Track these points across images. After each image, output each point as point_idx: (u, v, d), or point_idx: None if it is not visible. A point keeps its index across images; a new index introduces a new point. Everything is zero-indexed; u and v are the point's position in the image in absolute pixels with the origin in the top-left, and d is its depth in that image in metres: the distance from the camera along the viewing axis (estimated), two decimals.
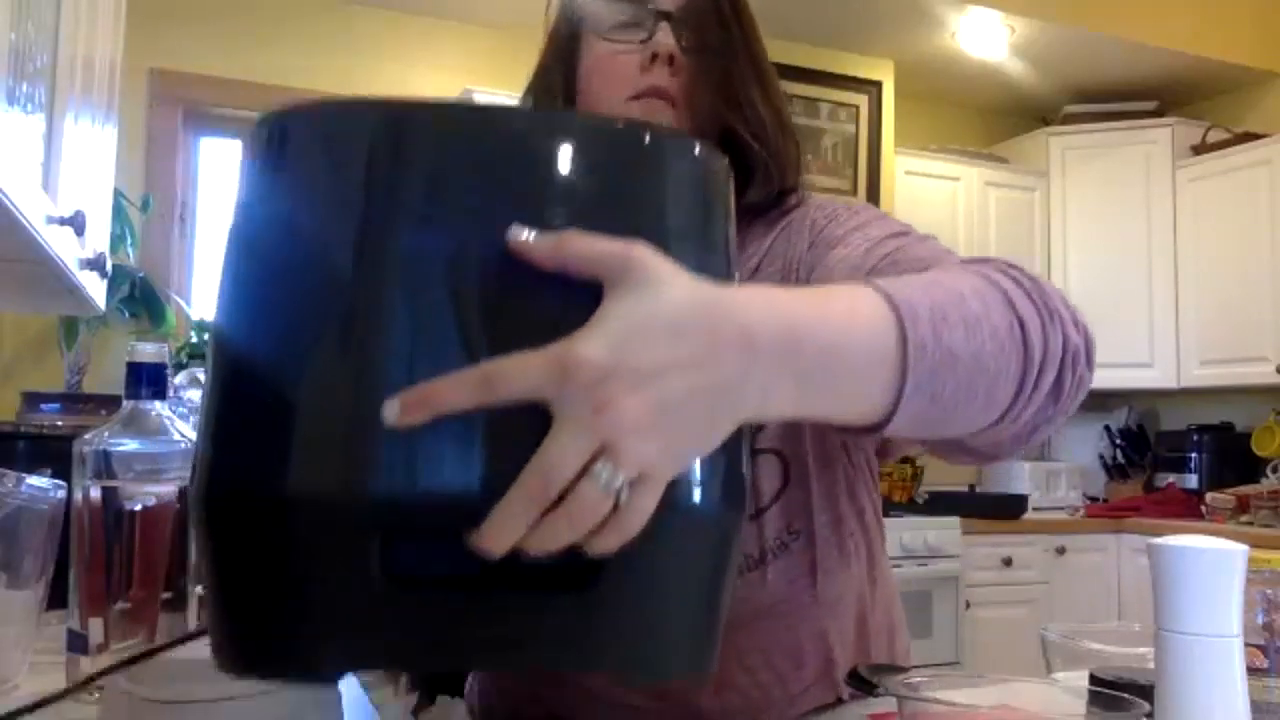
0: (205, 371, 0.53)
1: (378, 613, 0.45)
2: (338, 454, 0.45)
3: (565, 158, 0.48)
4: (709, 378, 0.46)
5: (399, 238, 0.46)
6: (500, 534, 0.43)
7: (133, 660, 0.61)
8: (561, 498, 0.43)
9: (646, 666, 0.50)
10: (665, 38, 0.85)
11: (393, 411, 0.43)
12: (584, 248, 0.45)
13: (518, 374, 0.43)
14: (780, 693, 0.87)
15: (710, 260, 0.51)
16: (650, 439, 0.44)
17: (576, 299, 0.45)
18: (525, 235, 0.45)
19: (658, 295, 0.45)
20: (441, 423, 0.43)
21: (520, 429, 0.44)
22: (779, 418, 0.53)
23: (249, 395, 0.48)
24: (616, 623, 0.47)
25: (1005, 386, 0.60)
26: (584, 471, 0.43)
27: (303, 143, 0.49)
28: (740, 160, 0.86)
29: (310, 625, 0.46)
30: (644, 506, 0.45)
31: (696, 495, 0.48)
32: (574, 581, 0.46)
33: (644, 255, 0.45)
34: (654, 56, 0.85)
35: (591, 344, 0.43)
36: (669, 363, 0.44)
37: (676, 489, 0.46)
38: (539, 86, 0.94)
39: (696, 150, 0.53)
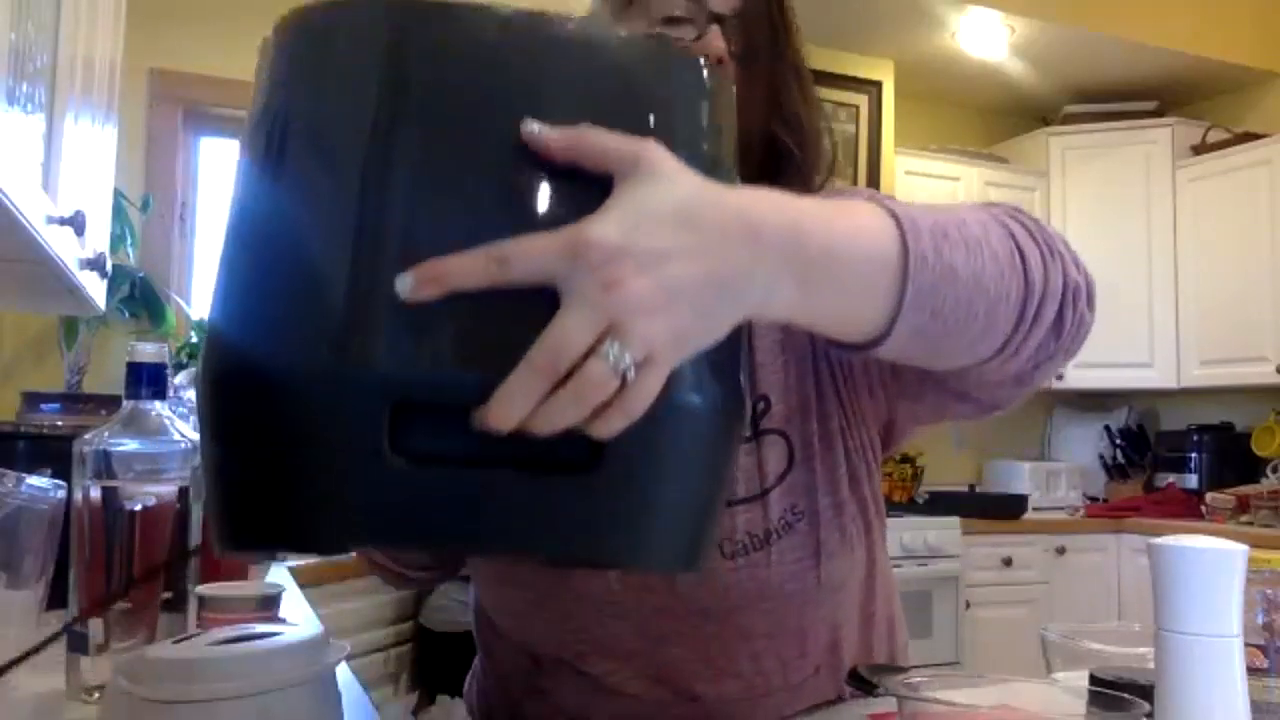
0: (220, 250, 0.54)
1: (381, 488, 0.46)
2: (349, 328, 0.45)
3: (580, 61, 0.50)
4: (715, 265, 0.47)
5: (415, 124, 0.47)
6: (507, 409, 0.44)
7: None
8: (569, 377, 0.44)
9: (640, 555, 0.51)
10: (716, 40, 0.84)
11: (405, 285, 0.44)
12: (597, 141, 0.47)
13: (530, 253, 0.45)
14: (781, 680, 0.87)
15: (715, 173, 0.52)
16: (657, 320, 0.45)
17: (587, 192, 0.47)
18: (539, 127, 0.47)
19: (668, 187, 0.47)
20: (453, 301, 0.44)
21: (530, 310, 0.45)
22: (781, 316, 0.54)
23: (261, 270, 0.49)
24: (614, 509, 0.48)
25: (1005, 313, 0.61)
26: (592, 350, 0.44)
27: (325, 33, 0.52)
28: (777, 161, 0.88)
29: (313, 497, 0.47)
30: (648, 388, 0.46)
31: (696, 392, 0.49)
32: (576, 466, 0.47)
33: (655, 151, 0.47)
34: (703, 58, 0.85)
35: (602, 226, 0.45)
36: (677, 248, 0.46)
37: (678, 383, 0.48)
38: None
39: (704, 68, 0.55)
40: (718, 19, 0.85)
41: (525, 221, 0.46)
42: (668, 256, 0.46)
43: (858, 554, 0.89)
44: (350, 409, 0.45)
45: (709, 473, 0.53)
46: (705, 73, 0.55)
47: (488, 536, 0.48)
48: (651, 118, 0.51)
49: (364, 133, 0.47)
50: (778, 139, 0.88)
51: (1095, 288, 0.68)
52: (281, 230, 0.49)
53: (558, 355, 0.44)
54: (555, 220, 0.46)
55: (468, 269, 0.44)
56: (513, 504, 0.47)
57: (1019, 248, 0.62)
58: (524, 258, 0.45)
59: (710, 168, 0.51)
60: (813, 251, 0.52)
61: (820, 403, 0.87)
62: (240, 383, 0.48)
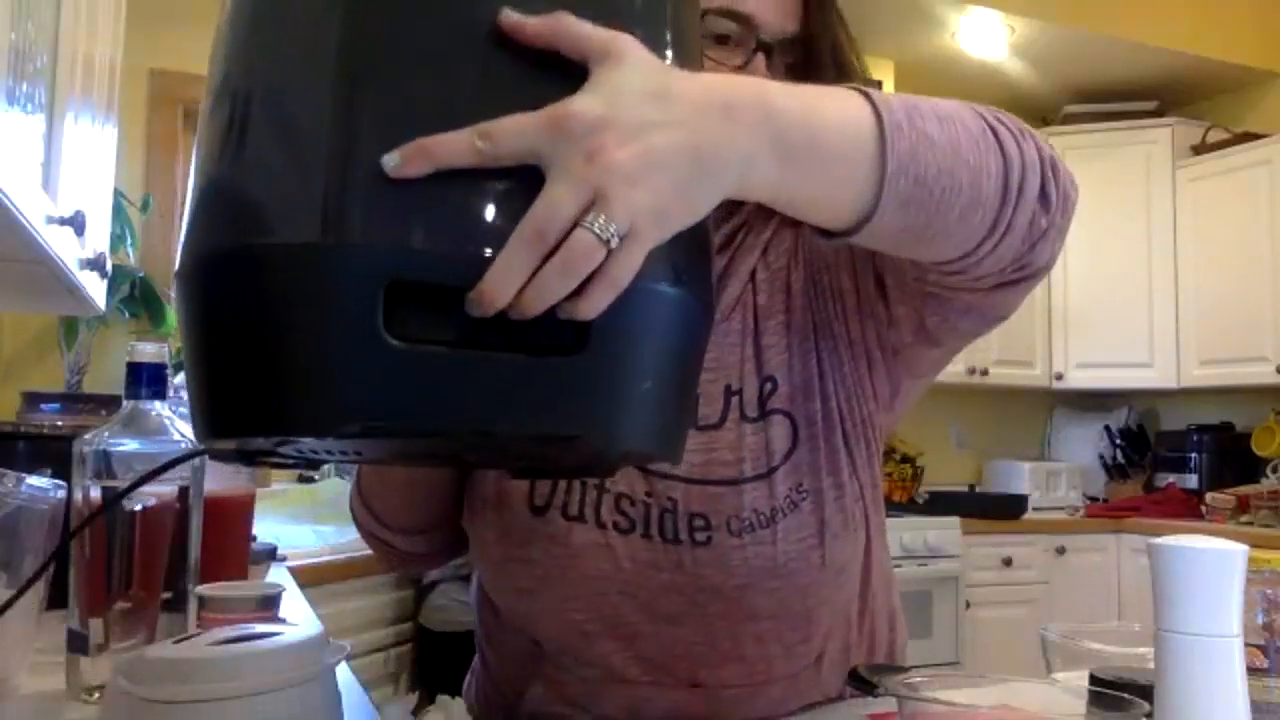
0: (199, 129, 0.54)
1: (372, 369, 0.46)
2: (337, 205, 0.46)
3: None
4: (693, 137, 0.49)
5: (394, 7, 0.48)
6: (499, 285, 0.46)
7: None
8: (555, 250, 0.46)
9: (622, 435, 0.52)
10: (760, 72, 0.83)
11: (393, 161, 0.45)
12: (574, 28, 0.48)
13: (515, 129, 0.46)
14: (783, 667, 0.87)
15: (684, 65, 0.54)
16: (639, 190, 0.47)
17: (566, 77, 0.48)
18: (517, 15, 0.48)
19: (643, 69, 0.49)
20: (441, 179, 0.46)
21: (516, 187, 0.46)
22: (763, 195, 0.55)
23: (242, 148, 0.49)
24: (601, 388, 0.50)
25: (988, 186, 0.62)
26: (578, 222, 0.46)
27: None
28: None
29: (302, 379, 0.47)
30: (632, 260, 0.48)
31: (673, 281, 0.52)
32: (565, 348, 0.48)
33: (628, 41, 0.49)
34: None
35: (583, 100, 0.47)
36: (656, 120, 0.48)
37: (656, 270, 0.50)
38: None
39: None
40: (766, 48, 0.84)
41: (506, 103, 0.47)
42: (648, 128, 0.48)
43: (859, 536, 0.89)
44: (339, 287, 0.46)
45: (684, 358, 0.55)
46: None
47: (479, 417, 0.48)
48: (620, 9, 0.52)
49: (343, 11, 0.48)
50: None
51: (1072, 178, 0.70)
52: (262, 107, 0.49)
53: (545, 227, 0.46)
54: (536, 102, 0.47)
55: (454, 146, 0.46)
56: (505, 385, 0.48)
57: (989, 125, 0.64)
58: (509, 134, 0.46)
59: (679, 59, 0.53)
60: (787, 126, 0.53)
61: (821, 382, 0.87)
62: (224, 264, 0.48)
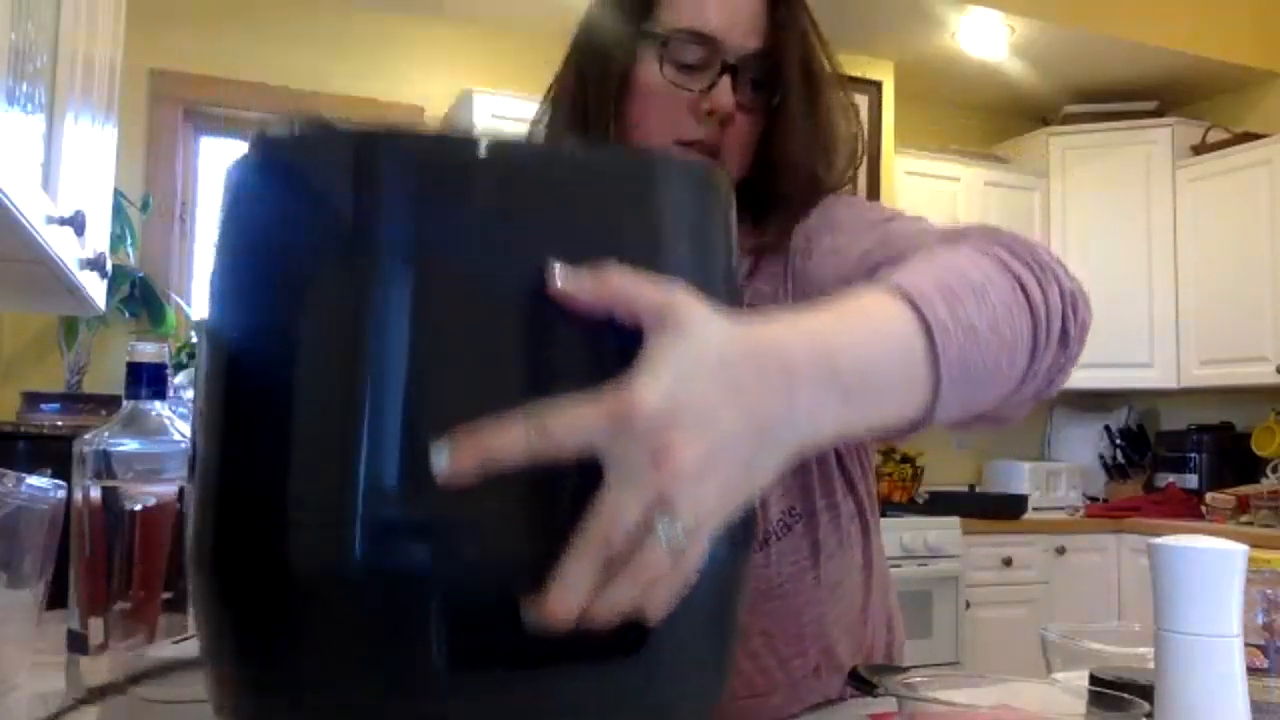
0: (205, 423, 0.48)
1: (421, 694, 0.42)
2: (376, 523, 0.41)
3: (586, 190, 0.46)
4: (759, 414, 0.45)
5: (419, 272, 0.43)
6: (565, 601, 0.42)
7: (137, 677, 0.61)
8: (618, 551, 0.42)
9: (682, 710, 0.49)
10: (725, 96, 0.83)
11: (442, 460, 0.41)
12: (624, 289, 0.45)
13: (572, 425, 0.42)
14: (783, 678, 0.87)
15: (728, 291, 0.51)
16: (708, 485, 0.43)
17: (611, 337, 0.44)
18: (565, 276, 0.44)
19: (702, 338, 0.45)
20: (487, 481, 0.41)
21: (569, 480, 0.42)
22: (831, 440, 0.52)
23: (262, 455, 0.44)
24: (658, 681, 0.47)
25: (1022, 347, 0.62)
26: (644, 524, 0.42)
27: (301, 171, 0.46)
28: (760, 202, 0.88)
29: (341, 707, 0.43)
30: (698, 555, 0.44)
31: (728, 543, 0.47)
32: (621, 646, 0.44)
33: (683, 298, 0.45)
34: (710, 112, 0.84)
35: (645, 390, 0.42)
36: (719, 403, 0.44)
37: (713, 541, 0.45)
38: (572, 97, 0.91)
39: (707, 177, 0.52)
40: (731, 69, 0.84)
41: (551, 375, 0.43)
42: (713, 416, 0.44)
43: (854, 554, 0.90)
44: (383, 610, 0.42)
45: (732, 606, 0.52)
46: (707, 181, 0.52)
47: None
48: (659, 239, 0.48)
49: (360, 285, 0.43)
50: (767, 186, 0.87)
51: (1083, 289, 0.68)
52: (282, 404, 0.43)
53: (610, 534, 0.42)
54: (582, 372, 0.43)
55: (508, 443, 0.41)
56: (563, 697, 0.44)
57: (1018, 280, 0.62)
58: (566, 429, 0.42)
59: (722, 279, 0.50)
60: (848, 372, 0.50)
61: None
62: (251, 581, 0.44)
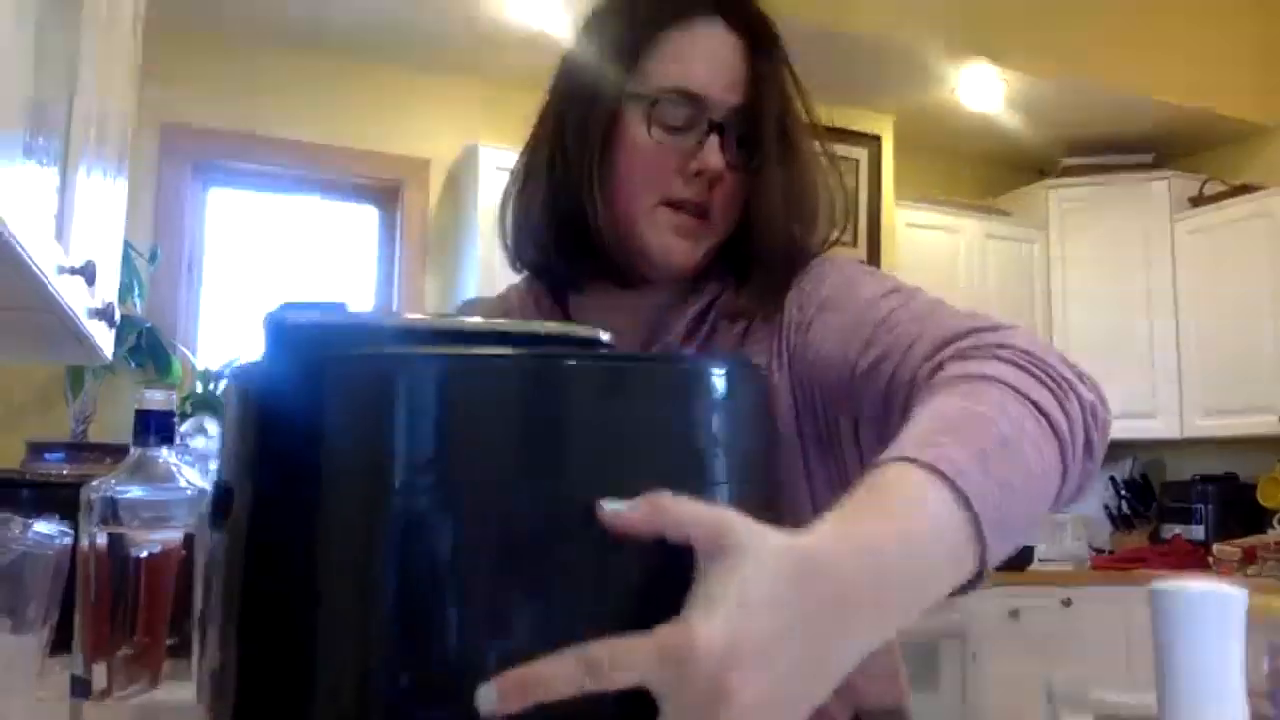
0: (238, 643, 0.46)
1: None
2: None
3: (625, 402, 0.46)
4: (817, 649, 0.45)
5: (458, 498, 0.43)
6: None
7: None
8: None
9: None
10: (714, 156, 0.83)
11: (489, 699, 0.40)
12: (677, 514, 0.44)
13: (626, 662, 0.41)
14: None
15: (768, 476, 0.51)
16: (766, 718, 0.43)
17: (660, 561, 0.44)
18: (615, 507, 0.43)
19: (757, 567, 0.44)
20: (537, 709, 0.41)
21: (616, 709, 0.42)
22: (883, 643, 0.52)
23: (300, 689, 0.43)
24: None
25: (1053, 476, 0.61)
26: None
27: (360, 390, 0.45)
28: (742, 264, 0.87)
29: None
30: None
31: None
32: None
33: (736, 522, 0.45)
34: (699, 172, 0.84)
35: (704, 628, 0.42)
36: (778, 639, 0.44)
37: None
38: (551, 150, 0.90)
39: (745, 376, 0.52)
40: (718, 127, 0.83)
41: (602, 606, 0.43)
42: (772, 654, 0.43)
43: None
44: None
45: None
46: (742, 380, 0.51)
47: None
48: (703, 443, 0.48)
49: (396, 515, 0.42)
50: (749, 247, 0.87)
51: (1101, 388, 0.67)
52: (317, 629, 0.43)
53: None
54: (633, 601, 0.43)
55: (557, 678, 0.41)
56: None
57: (1039, 409, 0.62)
58: (620, 666, 0.41)
59: (760, 475, 0.50)
60: (902, 588, 0.51)
61: (805, 462, 0.86)
62: None
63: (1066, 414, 0.62)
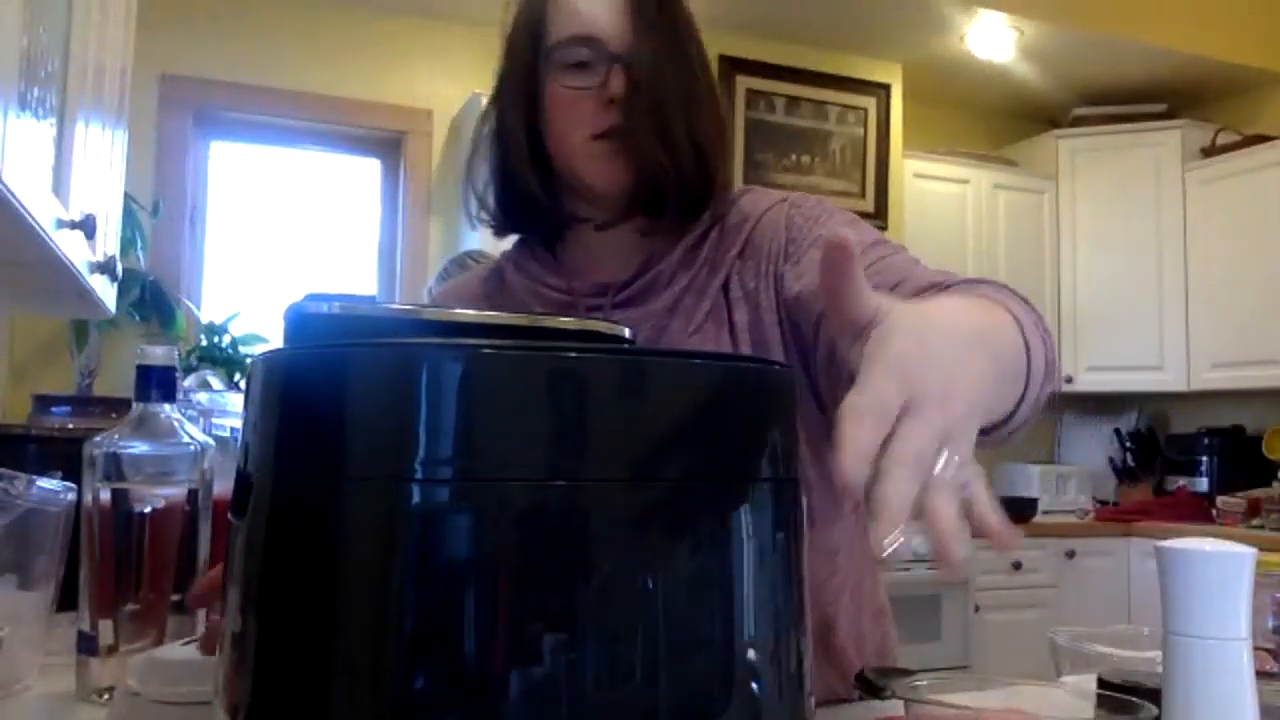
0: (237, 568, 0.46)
1: None
2: None
3: (648, 399, 0.45)
4: (976, 366, 0.53)
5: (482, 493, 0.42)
6: (855, 459, 0.45)
7: None
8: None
9: None
10: (618, 83, 0.91)
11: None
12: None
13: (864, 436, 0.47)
14: None
15: (794, 485, 0.51)
16: (972, 422, 0.51)
17: (684, 553, 0.44)
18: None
19: (890, 327, 0.52)
20: None
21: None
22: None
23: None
24: None
25: (1051, 371, 0.72)
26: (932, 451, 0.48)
27: (382, 381, 0.44)
28: (660, 192, 0.94)
29: None
30: (983, 494, 0.49)
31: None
32: None
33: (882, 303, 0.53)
34: (611, 101, 0.92)
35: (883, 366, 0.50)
36: (966, 356, 0.53)
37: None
38: (502, 111, 0.99)
39: (769, 373, 0.51)
40: (616, 59, 0.92)
41: (624, 600, 0.42)
42: (969, 368, 0.52)
43: (848, 522, 0.93)
44: None
45: None
46: (765, 377, 0.51)
47: None
48: (726, 439, 0.47)
49: (416, 508, 0.42)
50: (661, 168, 0.93)
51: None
52: (335, 622, 0.42)
53: (900, 452, 0.46)
54: (655, 595, 0.43)
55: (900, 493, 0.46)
56: None
57: (1038, 316, 0.73)
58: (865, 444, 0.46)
59: (784, 471, 0.50)
60: (1000, 358, 0.61)
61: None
62: None
63: (1047, 335, 0.72)
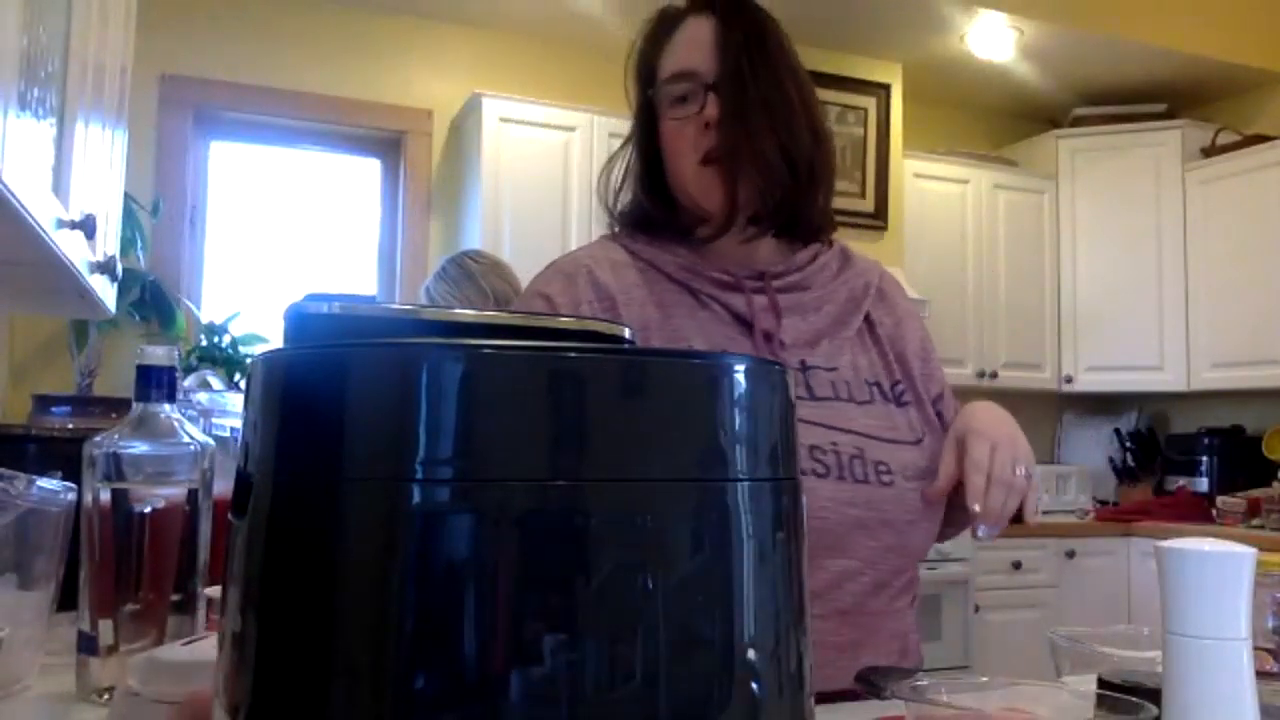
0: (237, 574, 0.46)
1: None
2: None
3: (647, 399, 0.45)
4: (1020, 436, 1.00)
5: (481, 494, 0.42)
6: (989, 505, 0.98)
7: None
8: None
9: None
10: (712, 109, 1.02)
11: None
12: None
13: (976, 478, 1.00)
14: (903, 601, 1.05)
15: (792, 486, 0.51)
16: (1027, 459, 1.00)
17: (684, 554, 0.44)
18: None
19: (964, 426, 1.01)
20: None
21: None
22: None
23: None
24: None
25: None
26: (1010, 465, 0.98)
27: (382, 381, 0.44)
28: (766, 201, 1.04)
29: None
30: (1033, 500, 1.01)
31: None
32: None
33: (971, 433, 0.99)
34: (707, 125, 1.02)
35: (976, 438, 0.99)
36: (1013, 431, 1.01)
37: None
38: (632, 161, 1.12)
39: (765, 373, 0.51)
40: (711, 87, 1.02)
41: (624, 601, 0.42)
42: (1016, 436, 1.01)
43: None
44: None
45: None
46: (762, 378, 0.50)
47: None
48: (725, 439, 0.47)
49: (416, 509, 0.41)
50: (760, 187, 1.02)
51: None
52: (335, 622, 0.42)
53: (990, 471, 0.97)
54: (656, 596, 0.43)
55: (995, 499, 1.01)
56: None
57: None
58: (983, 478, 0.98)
59: (781, 470, 0.50)
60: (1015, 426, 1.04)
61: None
62: None
63: None
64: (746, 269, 1.07)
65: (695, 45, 1.04)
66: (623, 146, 1.14)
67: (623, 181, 1.13)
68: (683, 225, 1.09)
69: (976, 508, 0.95)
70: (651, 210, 1.09)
